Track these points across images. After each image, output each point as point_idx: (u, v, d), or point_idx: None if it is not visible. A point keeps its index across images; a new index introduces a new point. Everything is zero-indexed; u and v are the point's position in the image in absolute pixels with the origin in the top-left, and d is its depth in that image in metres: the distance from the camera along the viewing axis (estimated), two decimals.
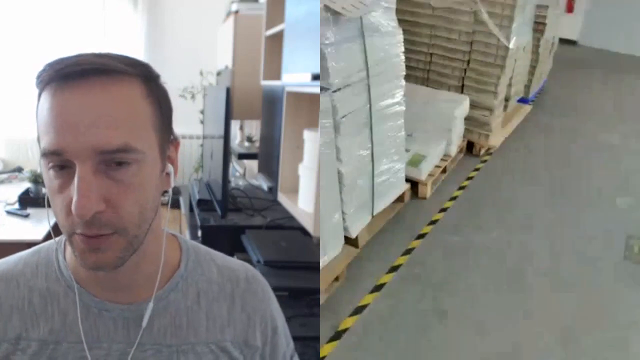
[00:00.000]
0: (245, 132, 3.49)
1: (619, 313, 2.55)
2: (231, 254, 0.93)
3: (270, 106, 2.20)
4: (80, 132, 0.64)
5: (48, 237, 2.84)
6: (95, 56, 0.67)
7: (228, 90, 2.22)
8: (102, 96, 0.66)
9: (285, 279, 1.80)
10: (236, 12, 2.86)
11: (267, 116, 2.33)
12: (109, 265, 0.69)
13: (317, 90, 1.53)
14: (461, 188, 3.61)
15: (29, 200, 3.21)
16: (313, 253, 2.02)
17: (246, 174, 3.54)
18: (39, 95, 0.68)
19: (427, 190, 3.41)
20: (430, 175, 3.45)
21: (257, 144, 3.01)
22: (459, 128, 3.70)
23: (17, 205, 3.21)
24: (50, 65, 0.66)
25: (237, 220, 2.43)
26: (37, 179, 3.28)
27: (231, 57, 2.91)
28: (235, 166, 3.61)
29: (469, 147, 4.02)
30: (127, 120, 0.67)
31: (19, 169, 3.99)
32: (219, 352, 0.82)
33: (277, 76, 2.02)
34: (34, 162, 4.08)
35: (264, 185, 2.47)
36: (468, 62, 3.80)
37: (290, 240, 2.12)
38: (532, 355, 2.31)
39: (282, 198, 1.86)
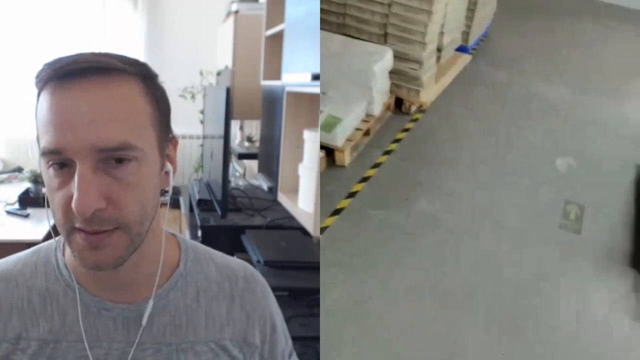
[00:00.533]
0: (245, 132, 3.49)
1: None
2: (231, 254, 0.93)
3: (270, 106, 2.20)
4: (80, 130, 0.64)
5: (48, 237, 2.83)
6: (94, 55, 0.67)
7: (228, 90, 2.22)
8: (101, 94, 0.66)
9: (285, 279, 1.80)
10: (236, 12, 2.86)
11: (267, 116, 2.33)
12: (109, 264, 0.69)
13: (317, 90, 1.53)
14: (387, 152, 3.24)
15: (29, 200, 3.21)
16: (313, 253, 2.03)
17: (246, 174, 3.54)
18: (38, 94, 0.68)
19: (345, 158, 3.00)
20: (348, 140, 3.01)
21: (257, 144, 3.01)
22: (381, 84, 3.21)
23: (17, 205, 3.21)
24: (49, 65, 0.66)
25: (237, 220, 2.43)
26: (37, 179, 3.28)
27: (231, 57, 2.91)
28: (235, 166, 3.61)
29: (399, 104, 3.52)
30: (126, 117, 0.67)
31: (19, 169, 3.99)
32: (219, 350, 0.82)
33: (277, 76, 2.02)
34: (34, 162, 4.07)
35: (264, 185, 2.47)
36: (389, 5, 3.19)
37: (290, 240, 2.12)
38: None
39: (282, 198, 1.86)
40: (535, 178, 3.24)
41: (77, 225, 0.66)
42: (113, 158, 0.66)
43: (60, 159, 0.65)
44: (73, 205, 0.63)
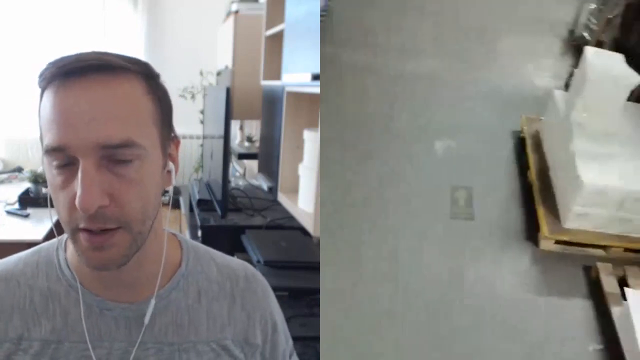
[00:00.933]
0: (245, 132, 3.50)
1: None
2: (231, 254, 0.93)
3: (270, 106, 2.20)
4: (83, 128, 0.64)
5: (48, 236, 2.84)
6: (97, 54, 0.68)
7: (228, 90, 2.22)
8: (103, 92, 0.66)
9: (285, 279, 1.80)
10: (236, 12, 2.87)
11: (267, 116, 2.33)
12: (113, 263, 0.69)
13: (317, 90, 1.53)
14: None
15: (29, 200, 3.22)
16: (313, 253, 2.03)
17: (246, 174, 3.54)
18: (42, 93, 0.69)
19: None
20: None
21: (257, 144, 3.02)
22: None
23: (17, 205, 3.22)
24: (53, 63, 0.67)
25: (237, 220, 2.43)
26: (37, 179, 3.28)
27: (231, 57, 2.91)
28: (235, 166, 3.61)
29: None
30: (129, 115, 0.67)
31: (19, 169, 4.00)
32: (220, 350, 0.82)
33: (277, 76, 2.02)
34: (34, 162, 4.08)
35: (264, 185, 2.47)
36: None
37: (290, 240, 2.12)
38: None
39: (282, 198, 1.86)
40: (416, 167, 2.99)
41: (82, 225, 0.66)
42: (116, 156, 0.66)
43: (63, 157, 0.65)
44: (77, 202, 0.63)
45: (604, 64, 2.58)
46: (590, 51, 2.66)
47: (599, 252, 2.52)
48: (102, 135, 0.64)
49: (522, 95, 3.59)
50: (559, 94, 2.94)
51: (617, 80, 2.50)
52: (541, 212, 2.59)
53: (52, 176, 0.67)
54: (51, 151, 0.65)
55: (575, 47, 3.96)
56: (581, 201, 2.42)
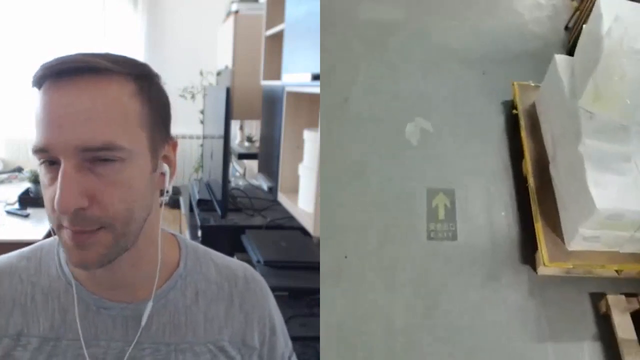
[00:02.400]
0: (245, 132, 3.50)
1: None
2: (231, 254, 0.93)
3: (270, 106, 2.20)
4: (64, 130, 0.65)
5: (48, 236, 2.83)
6: (83, 55, 0.68)
7: (228, 90, 2.22)
8: (87, 94, 0.66)
9: (285, 279, 1.80)
10: (236, 12, 2.87)
11: (267, 116, 2.33)
12: (92, 263, 0.69)
13: (317, 90, 1.53)
14: None
15: (29, 200, 3.21)
16: (313, 253, 2.02)
17: (246, 174, 3.54)
18: (36, 94, 0.69)
19: None
20: None
21: (257, 144, 3.02)
22: None
23: (17, 205, 3.21)
24: (42, 65, 0.67)
25: (237, 220, 2.43)
26: (37, 179, 3.27)
27: (231, 57, 2.91)
28: (235, 166, 3.61)
29: None
30: (112, 117, 0.67)
31: (19, 169, 3.99)
32: (217, 351, 0.82)
33: (277, 76, 2.02)
34: (34, 162, 4.03)
35: (264, 185, 2.47)
36: None
37: (290, 240, 2.12)
38: None
39: (282, 198, 1.86)
40: (384, 165, 2.35)
41: (64, 223, 0.67)
42: (98, 158, 0.66)
43: (48, 157, 0.66)
44: (55, 203, 0.64)
45: (630, 23, 1.82)
46: None
47: (610, 272, 2.05)
48: (83, 137, 0.65)
49: (513, 50, 2.87)
50: (561, 61, 2.27)
51: None
52: (539, 226, 2.08)
53: (42, 174, 0.69)
54: (37, 151, 0.66)
55: None
56: (592, 225, 1.91)
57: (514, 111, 2.52)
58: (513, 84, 2.58)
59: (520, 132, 2.39)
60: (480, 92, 2.69)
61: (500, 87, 2.67)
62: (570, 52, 2.45)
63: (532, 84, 2.58)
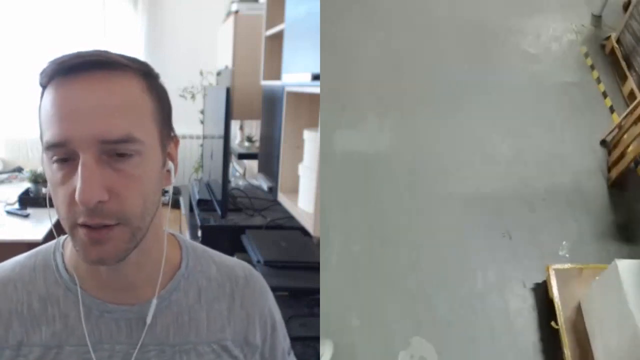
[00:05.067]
0: (245, 132, 3.49)
1: None
2: (231, 254, 0.93)
3: (270, 106, 2.19)
4: (83, 122, 0.65)
5: (48, 236, 2.84)
6: (97, 51, 0.68)
7: (228, 90, 2.22)
8: (104, 88, 0.66)
9: (285, 279, 1.80)
10: (236, 12, 2.86)
11: (267, 116, 2.33)
12: (111, 258, 0.69)
13: (317, 90, 1.53)
14: None
15: (29, 200, 3.21)
16: (313, 253, 2.02)
17: (246, 174, 3.54)
18: (42, 91, 0.69)
19: None
20: None
21: (257, 144, 3.01)
22: None
23: (17, 205, 3.21)
24: (53, 61, 0.67)
25: (237, 220, 2.43)
26: (37, 179, 3.27)
27: (231, 57, 2.91)
28: (235, 166, 3.61)
29: None
30: (128, 111, 0.68)
31: (19, 169, 3.99)
32: (221, 351, 0.82)
33: (277, 76, 2.02)
34: (34, 162, 4.07)
35: (264, 185, 2.47)
36: None
37: (290, 240, 2.12)
38: None
39: (282, 198, 1.86)
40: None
41: (80, 220, 0.66)
42: (116, 151, 0.66)
43: (64, 153, 0.66)
44: (77, 195, 0.63)
45: None
46: None
47: None
48: (103, 130, 0.65)
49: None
50: (624, 267, 1.94)
51: None
52: None
53: (52, 172, 0.68)
54: (52, 147, 0.66)
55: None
56: None
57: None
58: (547, 269, 2.37)
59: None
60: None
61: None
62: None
63: (569, 266, 2.38)
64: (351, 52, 3.73)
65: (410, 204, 2.83)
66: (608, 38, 3.83)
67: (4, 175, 3.89)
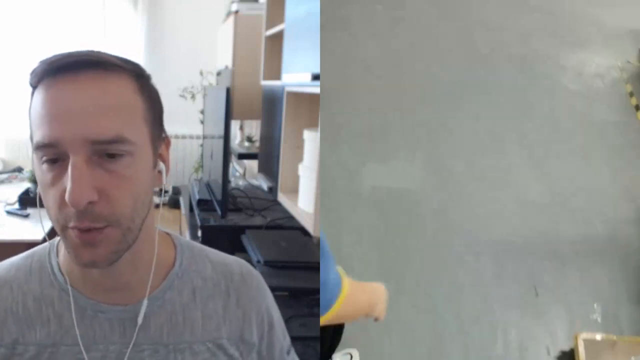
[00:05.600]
0: (245, 132, 3.49)
1: None
2: (231, 254, 0.93)
3: (270, 106, 2.19)
4: (74, 123, 0.64)
5: (48, 236, 2.83)
6: (88, 51, 0.68)
7: (228, 90, 2.22)
8: (95, 88, 0.66)
9: (285, 279, 1.80)
10: (236, 12, 2.86)
11: (267, 116, 2.33)
12: (103, 261, 0.69)
13: (317, 90, 1.53)
14: None
15: (29, 200, 3.21)
16: (313, 253, 2.02)
17: (246, 174, 3.54)
18: (33, 92, 0.69)
19: None
20: None
21: (257, 144, 3.01)
22: None
23: (17, 205, 3.21)
24: (43, 60, 0.67)
25: (237, 220, 2.43)
26: (37, 179, 3.27)
27: (231, 57, 2.91)
28: (235, 166, 3.61)
29: None
30: (119, 111, 0.67)
31: (19, 169, 3.99)
32: (216, 350, 0.82)
33: (277, 76, 2.01)
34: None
35: (264, 185, 2.47)
36: None
37: (290, 240, 2.12)
38: None
39: (282, 198, 1.86)
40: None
41: (71, 224, 0.66)
42: (106, 152, 0.66)
43: (53, 153, 0.65)
44: (67, 196, 0.63)
45: None
46: None
47: None
48: (93, 130, 0.64)
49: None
50: None
51: None
52: None
53: (42, 173, 0.67)
54: (42, 147, 0.65)
55: None
56: None
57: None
58: (576, 338, 2.08)
59: None
60: None
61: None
62: None
63: (601, 337, 2.07)
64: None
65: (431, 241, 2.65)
66: None
67: (4, 175, 3.89)
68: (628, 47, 3.99)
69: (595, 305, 2.39)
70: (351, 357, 2.26)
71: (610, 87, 3.66)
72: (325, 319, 1.18)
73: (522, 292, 2.44)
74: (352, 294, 1.19)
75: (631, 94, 3.58)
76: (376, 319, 1.45)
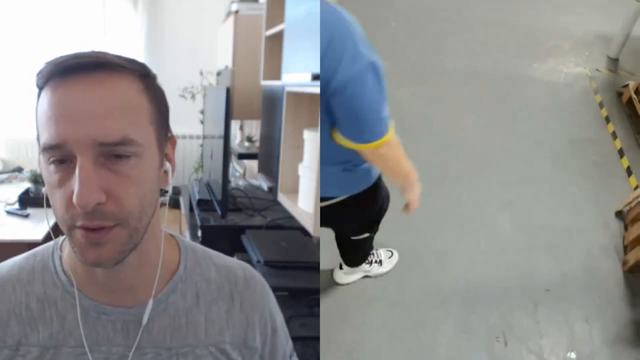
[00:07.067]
0: (245, 132, 3.49)
1: None
2: (231, 254, 0.93)
3: (270, 106, 2.19)
4: (81, 124, 0.64)
5: (48, 237, 2.84)
6: (94, 52, 0.68)
7: (228, 90, 2.22)
8: (101, 89, 0.66)
9: (285, 279, 1.80)
10: (236, 12, 2.86)
11: (267, 116, 2.33)
12: (109, 260, 0.69)
13: (317, 90, 1.53)
14: None
15: (29, 200, 3.21)
16: (313, 253, 2.02)
17: (246, 174, 3.54)
18: (39, 93, 0.69)
19: None
20: None
21: (257, 144, 3.01)
22: None
23: (17, 205, 3.21)
24: (50, 62, 0.67)
25: (237, 220, 2.43)
26: (37, 179, 3.27)
27: (231, 57, 2.91)
28: (235, 166, 3.61)
29: None
30: (126, 112, 0.67)
31: (19, 169, 3.99)
32: (219, 354, 0.82)
33: (277, 76, 2.01)
34: (34, 162, 4.07)
35: (264, 185, 2.47)
36: None
37: (290, 240, 2.12)
38: None
39: (282, 198, 1.86)
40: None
41: (78, 223, 0.66)
42: (113, 153, 0.66)
43: (61, 155, 0.65)
44: (74, 198, 0.63)
45: None
46: None
47: None
48: (100, 132, 0.65)
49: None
50: None
51: None
52: None
53: (49, 174, 0.67)
54: (49, 149, 0.65)
55: None
56: None
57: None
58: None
59: None
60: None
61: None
62: None
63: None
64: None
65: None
66: (626, 86, 3.39)
67: (4, 175, 3.89)
68: (597, 54, 3.89)
69: (569, 354, 2.22)
70: (392, 254, 2.54)
71: (580, 97, 3.51)
72: (373, 146, 1.27)
73: (488, 342, 2.23)
74: (397, 141, 1.29)
75: (601, 105, 3.44)
76: (407, 207, 1.48)
